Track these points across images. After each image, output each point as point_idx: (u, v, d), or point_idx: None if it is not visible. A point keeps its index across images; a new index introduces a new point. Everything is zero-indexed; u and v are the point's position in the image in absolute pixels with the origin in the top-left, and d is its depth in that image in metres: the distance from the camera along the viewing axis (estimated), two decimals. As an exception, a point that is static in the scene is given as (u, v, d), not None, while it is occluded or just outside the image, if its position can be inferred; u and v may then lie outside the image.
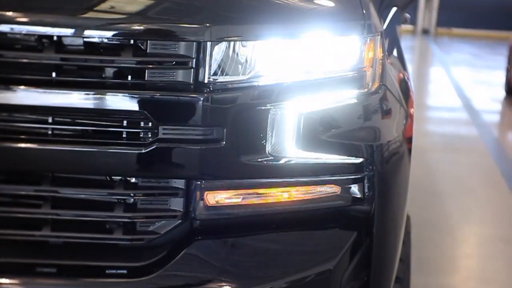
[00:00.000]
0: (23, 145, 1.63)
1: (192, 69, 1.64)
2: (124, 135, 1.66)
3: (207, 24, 1.63)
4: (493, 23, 18.55)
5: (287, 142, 1.70)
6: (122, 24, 1.65)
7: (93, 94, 1.62)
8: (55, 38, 1.62)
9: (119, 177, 1.70)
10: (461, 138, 6.51)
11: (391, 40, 2.34)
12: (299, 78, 1.72)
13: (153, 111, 1.63)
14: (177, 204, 1.70)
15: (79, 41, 1.64)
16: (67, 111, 1.63)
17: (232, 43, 1.67)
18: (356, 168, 1.77)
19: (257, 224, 1.75)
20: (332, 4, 1.84)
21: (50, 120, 1.64)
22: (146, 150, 1.63)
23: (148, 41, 1.63)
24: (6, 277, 1.64)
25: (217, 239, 1.73)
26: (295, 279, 1.73)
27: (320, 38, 1.74)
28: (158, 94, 1.63)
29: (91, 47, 1.65)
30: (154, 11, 1.73)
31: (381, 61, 1.86)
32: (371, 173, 1.78)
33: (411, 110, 2.11)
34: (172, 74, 1.64)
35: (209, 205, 1.71)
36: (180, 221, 1.70)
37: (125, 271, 1.68)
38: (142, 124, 1.66)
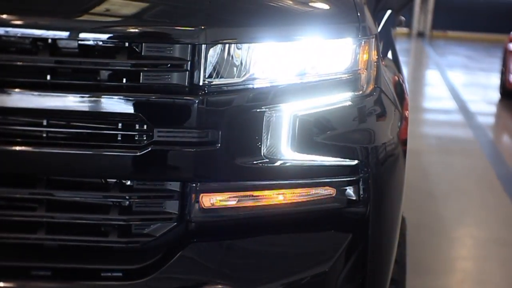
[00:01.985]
0: (17, 148, 1.63)
1: (187, 72, 1.64)
2: (119, 138, 1.66)
3: (202, 27, 1.63)
4: (488, 26, 18.60)
5: (282, 145, 1.70)
6: (117, 26, 1.65)
7: (88, 97, 1.61)
8: (49, 40, 1.61)
9: (114, 180, 1.70)
10: (456, 141, 6.53)
11: (386, 43, 2.35)
12: (294, 80, 1.73)
13: (148, 114, 1.63)
14: (172, 206, 1.70)
15: (74, 43, 1.64)
16: (61, 114, 1.63)
17: (227, 45, 1.67)
18: (351, 170, 1.77)
19: (252, 226, 1.75)
20: (326, 6, 1.84)
21: (44, 123, 1.64)
22: (141, 153, 1.63)
23: (143, 43, 1.63)
24: (0, 281, 1.64)
25: (213, 241, 1.73)
26: (290, 281, 1.73)
27: (315, 41, 1.74)
28: (153, 97, 1.63)
29: (86, 50, 1.64)
30: (149, 13, 1.73)
31: (375, 63, 1.87)
32: (366, 175, 1.78)
33: (406, 113, 2.12)
34: (167, 76, 1.64)
35: (204, 207, 1.71)
36: (175, 223, 1.70)
37: (120, 274, 1.68)
38: (137, 126, 1.65)
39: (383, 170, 1.84)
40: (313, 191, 1.77)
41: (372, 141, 1.81)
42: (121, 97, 1.62)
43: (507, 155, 5.98)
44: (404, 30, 18.25)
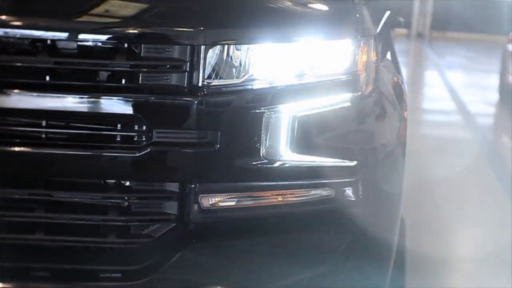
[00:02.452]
0: (16, 148, 1.63)
1: (186, 73, 1.64)
2: (118, 139, 1.66)
3: (201, 28, 1.63)
4: (488, 26, 18.61)
5: (281, 146, 1.70)
6: (116, 27, 1.65)
7: (87, 98, 1.62)
8: (49, 41, 1.62)
9: (113, 181, 1.70)
10: (455, 141, 6.53)
11: (385, 44, 2.36)
12: (293, 81, 1.73)
13: (147, 115, 1.63)
14: (171, 207, 1.70)
15: (73, 44, 1.64)
16: (61, 114, 1.63)
17: (226, 46, 1.67)
18: (350, 171, 1.77)
19: (251, 227, 1.75)
20: (325, 8, 1.84)
21: (44, 123, 1.64)
22: (140, 154, 1.63)
23: (142, 44, 1.63)
24: (0, 281, 1.64)
25: (211, 242, 1.73)
26: (289, 282, 1.73)
27: (314, 42, 1.74)
28: (152, 98, 1.63)
29: (85, 51, 1.64)
30: (148, 15, 1.73)
31: (374, 64, 1.87)
32: (365, 176, 1.78)
33: (405, 113, 2.12)
34: (166, 77, 1.64)
35: (203, 208, 1.71)
36: (174, 224, 1.70)
37: (119, 275, 1.68)
38: (136, 127, 1.66)
39: (382, 171, 1.84)
40: (312, 192, 1.77)
41: (371, 142, 1.82)
42: (120, 98, 1.62)
43: (506, 156, 5.99)
44: (404, 31, 18.25)
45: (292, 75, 1.73)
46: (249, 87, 1.69)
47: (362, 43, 1.79)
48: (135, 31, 1.64)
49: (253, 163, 1.69)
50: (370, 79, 1.84)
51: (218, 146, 1.66)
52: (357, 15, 1.81)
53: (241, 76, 1.69)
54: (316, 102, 1.74)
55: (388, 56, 2.41)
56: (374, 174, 1.80)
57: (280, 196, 1.76)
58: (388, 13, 2.67)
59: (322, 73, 1.76)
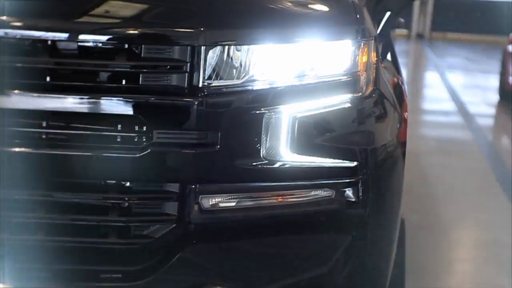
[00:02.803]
0: (17, 149, 1.63)
1: (187, 73, 1.65)
2: (119, 139, 1.66)
3: (201, 29, 1.64)
4: (488, 27, 18.61)
5: (281, 146, 1.70)
6: (116, 28, 1.65)
7: (88, 99, 1.62)
8: (49, 42, 1.62)
9: (114, 181, 1.70)
10: (455, 142, 6.53)
11: (385, 45, 2.35)
12: (293, 82, 1.73)
13: (148, 115, 1.63)
14: (171, 208, 1.70)
15: (74, 45, 1.64)
16: (61, 115, 1.63)
17: (226, 47, 1.67)
18: (350, 171, 1.78)
19: (251, 227, 1.75)
20: (326, 8, 1.85)
21: (44, 124, 1.64)
22: (141, 154, 1.63)
23: (143, 45, 1.63)
24: (0, 282, 1.64)
25: (212, 243, 1.73)
26: (289, 282, 1.73)
27: (314, 43, 1.74)
28: (153, 98, 1.63)
29: (85, 51, 1.65)
30: (148, 15, 1.73)
31: (375, 65, 1.87)
32: (365, 176, 1.78)
33: (405, 114, 2.12)
34: (166, 78, 1.65)
35: (203, 209, 1.71)
36: (174, 225, 1.70)
37: (119, 275, 1.68)
38: (136, 128, 1.66)
39: (382, 171, 1.84)
40: (312, 192, 1.77)
41: (371, 142, 1.82)
42: (121, 98, 1.62)
43: (506, 157, 5.99)
44: (404, 31, 18.25)
45: (293, 76, 1.73)
46: (250, 87, 1.70)
47: (362, 44, 1.80)
48: (136, 31, 1.64)
49: (254, 163, 1.69)
50: (370, 79, 1.84)
51: (218, 146, 1.66)
52: (357, 16, 1.81)
53: (242, 76, 1.69)
54: (316, 103, 1.74)
55: (388, 57, 2.41)
56: (374, 174, 1.80)
57: (280, 197, 1.76)
58: (388, 13, 2.67)
59: (322, 74, 1.76)
